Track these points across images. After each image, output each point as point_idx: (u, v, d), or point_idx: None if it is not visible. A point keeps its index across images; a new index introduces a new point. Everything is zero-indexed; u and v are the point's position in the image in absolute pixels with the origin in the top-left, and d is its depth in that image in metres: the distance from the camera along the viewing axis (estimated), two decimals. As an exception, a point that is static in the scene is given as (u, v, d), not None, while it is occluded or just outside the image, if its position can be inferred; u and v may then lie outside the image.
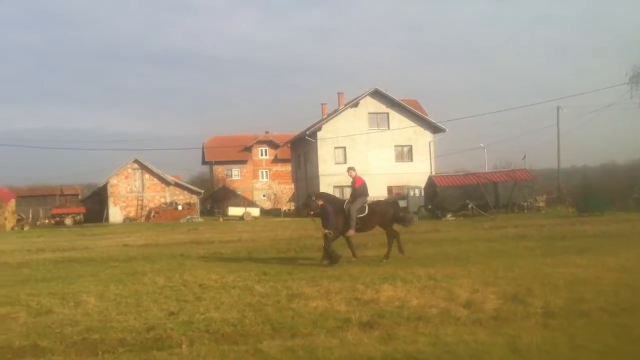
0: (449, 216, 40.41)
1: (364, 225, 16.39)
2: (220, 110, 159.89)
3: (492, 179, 43.63)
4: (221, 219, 57.73)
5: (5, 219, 53.17)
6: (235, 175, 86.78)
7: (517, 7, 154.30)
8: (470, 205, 40.12)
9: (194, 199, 65.21)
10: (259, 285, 11.77)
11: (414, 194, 49.43)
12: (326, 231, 15.62)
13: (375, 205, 17.26)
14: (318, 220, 16.20)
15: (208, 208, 75.32)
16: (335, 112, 60.69)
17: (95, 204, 67.36)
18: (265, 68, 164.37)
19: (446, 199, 42.24)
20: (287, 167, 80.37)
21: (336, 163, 56.98)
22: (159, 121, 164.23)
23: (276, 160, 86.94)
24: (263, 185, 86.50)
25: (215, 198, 77.70)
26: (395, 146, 58.23)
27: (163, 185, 64.53)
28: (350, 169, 17.40)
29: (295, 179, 69.27)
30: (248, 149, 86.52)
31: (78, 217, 62.73)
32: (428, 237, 23.40)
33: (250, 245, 23.14)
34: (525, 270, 12.61)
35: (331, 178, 56.16)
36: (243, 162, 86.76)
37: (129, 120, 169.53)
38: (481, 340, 7.16)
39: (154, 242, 26.78)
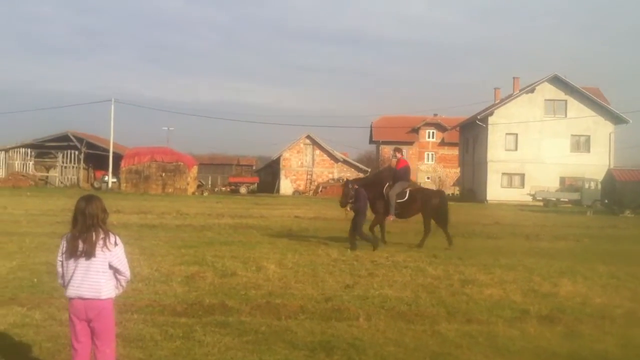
0: (627, 212, 37.81)
1: (403, 211, 15.75)
2: (391, 91, 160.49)
3: (682, 178, 40.19)
4: (386, 199, 58.05)
5: (187, 184, 57.14)
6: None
7: None
8: (652, 204, 37.32)
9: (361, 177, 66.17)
10: (431, 268, 11.81)
11: (590, 186, 46.83)
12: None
13: (418, 192, 16.51)
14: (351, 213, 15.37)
15: (373, 186, 76.13)
16: (509, 97, 58.69)
17: (268, 175, 70.50)
18: (437, 49, 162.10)
19: (626, 194, 39.51)
20: (454, 151, 79.08)
21: (506, 150, 55.27)
22: (330, 99, 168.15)
23: (443, 144, 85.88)
24: (428, 167, 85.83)
25: (380, 177, 78.27)
26: (571, 135, 55.23)
27: (332, 161, 66.10)
28: (396, 149, 16.76)
29: (462, 164, 68.01)
30: (415, 130, 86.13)
31: (252, 186, 66.06)
32: (606, 232, 22.16)
33: (417, 227, 23.05)
34: None
35: (500, 164, 54.59)
36: (410, 143, 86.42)
37: (303, 97, 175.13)
38: (677, 348, 6.73)
39: (323, 216, 27.55)
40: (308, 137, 66.42)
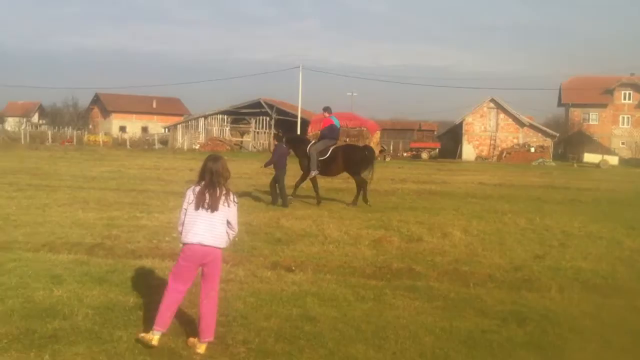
0: None
1: (325, 168, 15.93)
2: (583, 50, 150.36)
3: None
4: (575, 165, 55.13)
5: (370, 150, 57.79)
6: (593, 119, 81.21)
7: None
8: None
9: (548, 142, 63.24)
10: (629, 240, 11.18)
11: None
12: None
13: (340, 149, 16.30)
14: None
15: (560, 152, 72.36)
16: None
17: (449, 140, 69.55)
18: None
19: None
20: (655, 114, 72.74)
21: None
22: (515, 60, 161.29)
23: (640, 106, 79.18)
24: (623, 132, 79.59)
25: (569, 142, 74.08)
26: None
27: (517, 126, 63.69)
28: (325, 108, 16.55)
29: (664, 128, 62.48)
30: (610, 91, 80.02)
31: (433, 152, 65.50)
32: None
33: (610, 195, 21.85)
34: None
35: None
36: (603, 105, 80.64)
37: (486, 58, 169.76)
38: None
39: (508, 182, 26.85)
40: (492, 100, 64.40)
